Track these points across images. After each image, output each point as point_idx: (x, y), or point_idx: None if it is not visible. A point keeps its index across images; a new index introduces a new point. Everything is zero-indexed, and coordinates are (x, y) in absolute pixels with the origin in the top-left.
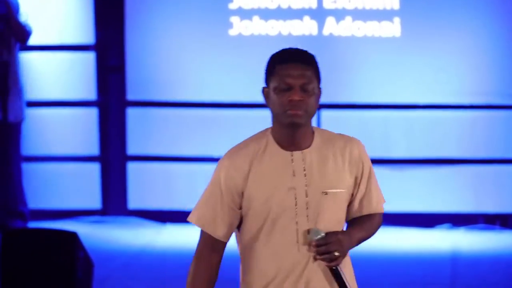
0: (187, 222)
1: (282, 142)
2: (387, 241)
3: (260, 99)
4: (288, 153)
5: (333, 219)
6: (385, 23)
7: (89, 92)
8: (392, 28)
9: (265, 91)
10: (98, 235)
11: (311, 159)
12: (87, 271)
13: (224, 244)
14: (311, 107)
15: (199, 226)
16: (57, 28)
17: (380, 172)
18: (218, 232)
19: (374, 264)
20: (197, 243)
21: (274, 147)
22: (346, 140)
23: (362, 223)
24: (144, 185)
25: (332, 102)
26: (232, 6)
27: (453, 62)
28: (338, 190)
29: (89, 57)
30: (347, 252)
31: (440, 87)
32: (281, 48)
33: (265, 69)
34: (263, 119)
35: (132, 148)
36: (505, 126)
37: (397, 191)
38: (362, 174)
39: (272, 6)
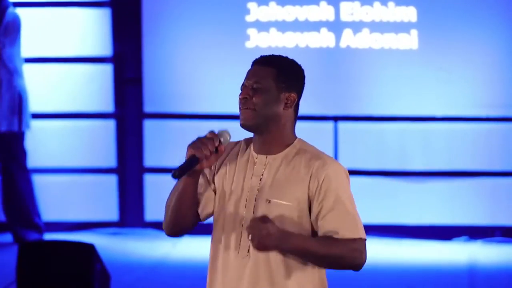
0: (204, 234)
1: (254, 144)
2: (404, 253)
3: None
4: (255, 155)
5: None
6: (403, 35)
7: (107, 104)
8: (410, 41)
9: None
10: (115, 247)
11: (272, 166)
12: (104, 283)
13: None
14: (258, 106)
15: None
16: (75, 40)
17: (396, 184)
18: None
19: (391, 276)
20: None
21: (250, 148)
22: (319, 158)
23: (319, 238)
24: (161, 197)
25: (349, 114)
26: (249, 18)
27: (470, 74)
28: (282, 202)
29: (107, 69)
30: (271, 246)
31: (457, 100)
32: (298, 61)
33: None
34: None
35: (149, 160)
36: None
37: (414, 204)
38: (318, 192)
39: (290, 18)
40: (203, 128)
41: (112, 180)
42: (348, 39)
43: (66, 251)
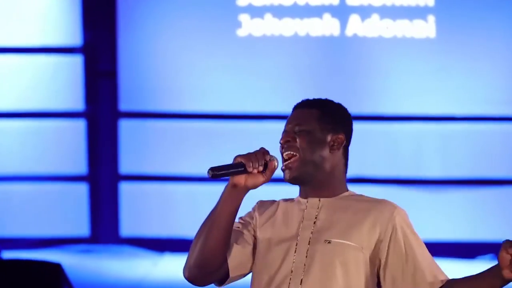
0: (188, 251)
1: (302, 193)
2: None
3: (272, 109)
4: (305, 200)
5: (333, 275)
6: (418, 22)
7: (76, 101)
8: (426, 28)
9: None
10: (86, 266)
11: (328, 208)
12: None
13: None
14: (302, 149)
15: None
16: (38, 27)
17: (411, 194)
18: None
19: None
20: None
21: (295, 198)
22: (382, 202)
23: None
24: (139, 209)
25: (356, 113)
26: (241, 2)
27: (496, 66)
28: (346, 242)
29: (76, 61)
30: None
31: (480, 96)
32: (297, 51)
33: None
34: (276, 132)
35: (125, 166)
36: None
37: (431, 217)
38: (393, 244)
39: (287, 2)
40: (187, 129)
41: (82, 189)
42: (355, 26)
43: (29, 272)
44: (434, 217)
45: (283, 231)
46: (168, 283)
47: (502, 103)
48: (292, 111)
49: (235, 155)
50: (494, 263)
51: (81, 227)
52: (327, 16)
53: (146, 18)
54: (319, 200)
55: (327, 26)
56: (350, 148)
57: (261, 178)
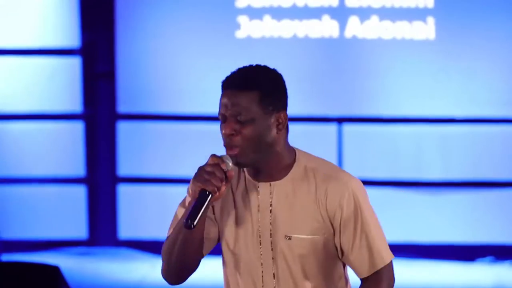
0: None
1: (250, 170)
2: (421, 276)
3: None
4: (255, 183)
5: (310, 269)
6: (417, 24)
7: (74, 103)
8: (426, 29)
9: None
10: (84, 269)
11: (280, 194)
12: None
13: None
14: (249, 140)
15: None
16: (36, 29)
17: (411, 196)
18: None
19: None
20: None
21: (243, 174)
22: (331, 176)
23: None
24: (137, 211)
25: (355, 115)
26: (240, 4)
27: (496, 68)
28: (305, 236)
29: (74, 63)
30: None
31: (481, 98)
32: (296, 53)
33: None
34: None
35: (124, 168)
36: None
37: (431, 219)
38: (343, 221)
39: (286, 4)
40: (186, 131)
41: (80, 192)
42: (354, 28)
43: (27, 275)
44: (434, 219)
45: (241, 218)
46: (166, 285)
47: (503, 104)
48: (225, 88)
49: (192, 179)
50: (494, 266)
51: (79, 229)
52: (326, 17)
53: (145, 19)
54: (270, 184)
55: (326, 27)
56: (350, 149)
57: (224, 188)
